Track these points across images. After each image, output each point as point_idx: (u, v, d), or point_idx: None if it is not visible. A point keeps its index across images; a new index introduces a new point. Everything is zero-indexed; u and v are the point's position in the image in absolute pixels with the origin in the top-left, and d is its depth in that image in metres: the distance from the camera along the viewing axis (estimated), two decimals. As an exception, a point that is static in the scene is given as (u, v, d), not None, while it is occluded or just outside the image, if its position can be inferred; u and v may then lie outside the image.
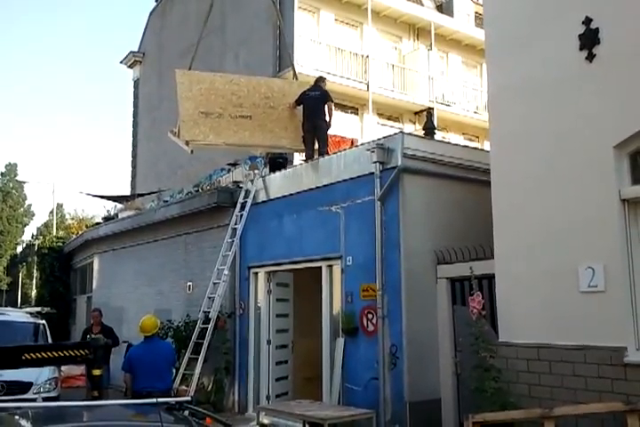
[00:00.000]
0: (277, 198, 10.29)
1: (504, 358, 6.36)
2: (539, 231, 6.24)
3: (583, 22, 6.03)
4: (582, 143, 5.96)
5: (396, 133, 8.65)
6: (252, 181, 10.88)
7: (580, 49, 6.04)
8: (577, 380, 5.76)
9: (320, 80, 11.13)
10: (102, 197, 22.02)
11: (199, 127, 10.43)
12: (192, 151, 11.05)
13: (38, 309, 16.69)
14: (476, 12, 22.78)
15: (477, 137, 21.91)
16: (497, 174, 6.76)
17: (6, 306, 35.82)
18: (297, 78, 12.30)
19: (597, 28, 5.93)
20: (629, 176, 5.75)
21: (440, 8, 23.52)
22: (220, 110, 10.62)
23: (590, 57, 5.97)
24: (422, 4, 22.48)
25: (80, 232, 22.30)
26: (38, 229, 49.88)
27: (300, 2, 17.73)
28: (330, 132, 11.22)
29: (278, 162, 11.68)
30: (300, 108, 10.91)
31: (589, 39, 5.98)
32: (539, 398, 5.98)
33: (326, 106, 10.74)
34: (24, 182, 47.10)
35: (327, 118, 10.76)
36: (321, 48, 18.46)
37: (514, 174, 6.57)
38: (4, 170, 50.81)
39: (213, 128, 10.51)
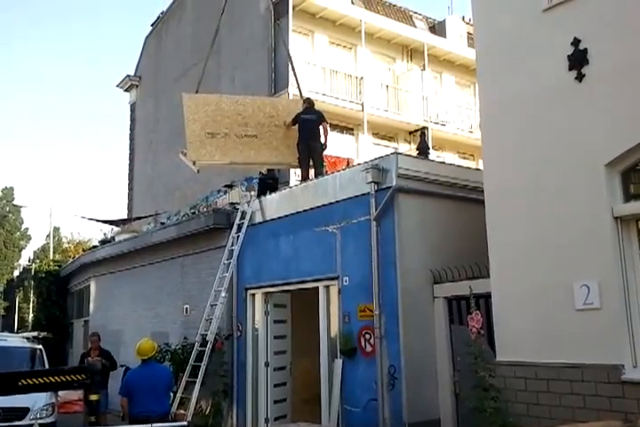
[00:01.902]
0: (274, 219, 10.32)
1: (502, 378, 6.34)
2: (534, 249, 6.27)
3: (572, 43, 6.14)
4: (575, 161, 6.02)
5: (390, 154, 8.72)
6: (248, 202, 10.93)
7: (570, 69, 6.14)
8: (575, 398, 5.74)
9: (311, 103, 11.31)
10: (100, 221, 22.02)
11: (205, 147, 10.77)
12: (198, 171, 11.36)
13: (35, 333, 16.60)
14: (469, 33, 23.08)
15: (472, 155, 22.07)
16: (490, 193, 6.81)
17: (3, 331, 35.57)
18: (302, 97, 12.52)
19: (586, 49, 6.04)
20: (621, 194, 5.80)
21: (433, 29, 23.84)
22: (225, 130, 10.95)
23: (580, 77, 6.07)
24: (415, 26, 22.79)
25: (77, 256, 22.26)
26: (35, 252, 49.74)
27: (294, 25, 17.95)
28: (326, 152, 11.37)
29: (268, 182, 11.79)
30: (296, 128, 11.09)
31: (578, 59, 6.09)
32: (537, 417, 5.95)
33: (321, 128, 10.91)
34: (21, 207, 47.08)
35: (322, 140, 10.92)
36: (316, 70, 18.65)
37: (507, 193, 6.62)
38: (0, 194, 50.82)
39: (219, 148, 10.84)
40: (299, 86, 12.70)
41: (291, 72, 17.22)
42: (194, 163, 10.85)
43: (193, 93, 11.56)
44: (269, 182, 11.87)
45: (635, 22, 5.76)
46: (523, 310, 6.30)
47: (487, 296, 6.89)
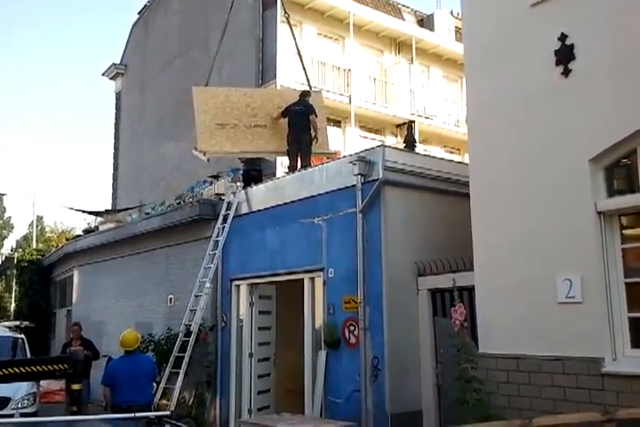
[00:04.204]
0: (260, 211, 10.31)
1: (484, 370, 6.40)
2: (517, 243, 6.32)
3: (559, 38, 6.16)
4: (559, 157, 6.07)
5: (377, 146, 8.73)
6: (234, 193, 10.91)
7: (557, 64, 6.18)
8: (556, 390, 5.81)
9: (305, 94, 11.31)
10: (84, 211, 21.87)
11: (215, 138, 11.00)
12: (208, 160, 11.65)
13: (17, 322, 16.49)
14: (457, 27, 23.13)
15: (458, 149, 22.16)
16: (475, 187, 6.85)
17: (-16, 320, 35.20)
18: (311, 87, 12.57)
19: (572, 44, 6.07)
20: (605, 189, 5.85)
21: (421, 22, 23.84)
22: (235, 121, 11.19)
23: (566, 72, 6.10)
24: (403, 19, 22.78)
25: (60, 245, 22.09)
26: (18, 241, 49.20)
27: (282, 16, 17.85)
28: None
29: (252, 174, 11.82)
30: (285, 120, 11.13)
31: (565, 55, 6.11)
32: (518, 408, 6.01)
33: (310, 120, 10.90)
34: (3, 195, 46.51)
35: (312, 132, 10.93)
36: (304, 61, 18.57)
37: (492, 187, 6.65)
38: (-18, 182, 50.20)
39: (229, 138, 11.07)
40: (308, 81, 12.81)
41: (277, 63, 17.31)
42: (204, 153, 11.06)
43: (202, 86, 11.82)
44: (253, 174, 11.89)
45: (621, 18, 5.80)
46: (506, 303, 6.36)
47: (471, 289, 6.94)
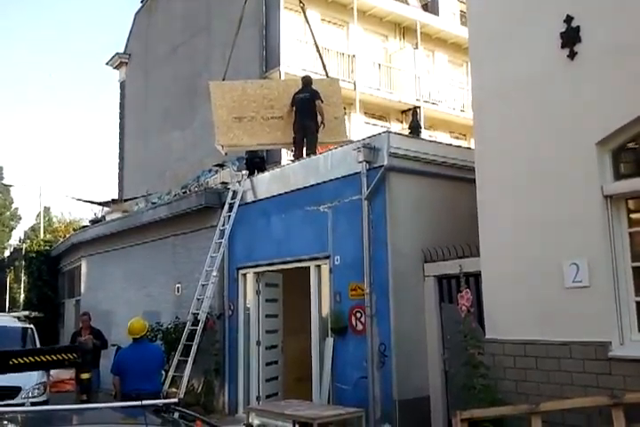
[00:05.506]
0: (265, 199, 10.30)
1: (491, 355, 6.40)
2: (523, 228, 6.29)
3: (565, 20, 6.08)
4: (565, 140, 6.02)
5: (382, 133, 8.68)
6: (239, 181, 10.89)
7: (562, 47, 6.10)
8: (563, 375, 5.81)
9: (308, 80, 11.22)
10: (91, 202, 21.90)
11: (233, 131, 11.09)
12: (226, 153, 11.87)
13: (26, 313, 16.55)
14: (462, 11, 22.87)
15: (464, 135, 22.01)
16: (481, 172, 6.80)
17: (-6, 311, 35.47)
18: (328, 75, 12.59)
19: (578, 26, 5.99)
20: (612, 172, 5.80)
21: (425, 7, 23.60)
22: (252, 114, 11.25)
23: (572, 55, 6.03)
24: (408, 3, 22.54)
25: (67, 235, 22.17)
26: (25, 232, 49.43)
27: (285, 1, 17.71)
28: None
29: (255, 162, 11.81)
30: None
31: (571, 37, 6.03)
32: (526, 393, 6.02)
33: (316, 106, 10.83)
34: (10, 186, 46.64)
35: (318, 119, 10.85)
36: (307, 48, 18.44)
37: (498, 172, 6.61)
38: (-11, 173, 50.25)
39: (247, 131, 11.15)
40: (326, 72, 12.71)
41: (281, 50, 17.20)
42: (222, 146, 11.14)
43: (219, 81, 11.89)
44: (256, 162, 11.87)
45: (627, 0, 5.71)
46: (512, 289, 6.34)
47: (477, 275, 6.93)
